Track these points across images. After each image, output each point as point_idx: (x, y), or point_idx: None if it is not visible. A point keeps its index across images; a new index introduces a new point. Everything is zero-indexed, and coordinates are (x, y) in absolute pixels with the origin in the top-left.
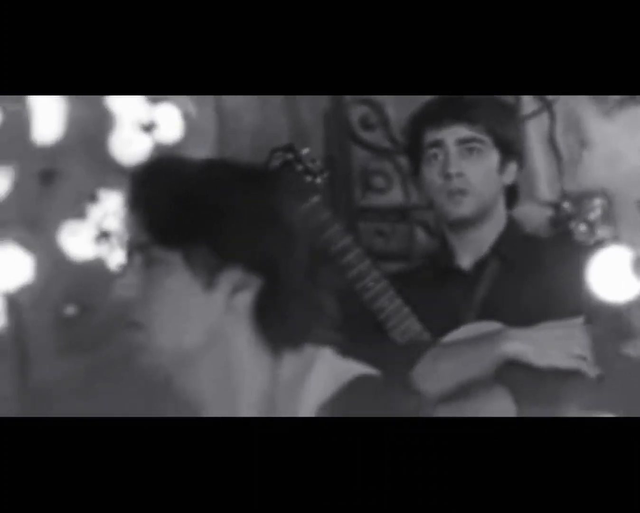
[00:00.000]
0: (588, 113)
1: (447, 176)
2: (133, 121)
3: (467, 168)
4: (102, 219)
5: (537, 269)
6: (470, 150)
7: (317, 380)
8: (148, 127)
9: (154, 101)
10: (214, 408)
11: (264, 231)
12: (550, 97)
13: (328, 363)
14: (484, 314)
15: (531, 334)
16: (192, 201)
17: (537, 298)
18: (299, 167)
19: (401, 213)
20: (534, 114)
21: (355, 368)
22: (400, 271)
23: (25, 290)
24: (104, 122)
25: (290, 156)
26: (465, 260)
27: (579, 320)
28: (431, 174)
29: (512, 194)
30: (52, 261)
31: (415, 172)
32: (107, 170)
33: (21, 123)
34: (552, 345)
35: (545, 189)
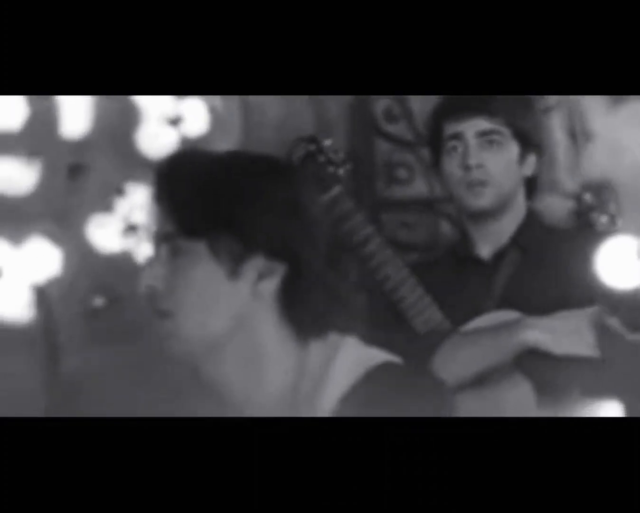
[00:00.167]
0: (591, 106)
1: (467, 168)
2: (159, 115)
3: (487, 160)
4: (129, 212)
5: (556, 260)
6: (490, 142)
7: (341, 367)
8: (174, 121)
9: (180, 96)
10: (240, 394)
11: (287, 220)
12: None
13: (352, 350)
14: (503, 304)
15: (549, 322)
16: (216, 192)
17: (556, 287)
18: (321, 158)
19: (425, 205)
20: (555, 105)
21: (378, 356)
22: (420, 261)
23: (53, 283)
24: (130, 117)
25: (312, 147)
26: (485, 250)
27: (596, 309)
28: (451, 166)
29: (532, 186)
30: (79, 254)
31: (435, 164)
32: (133, 164)
33: (49, 118)
34: (569, 333)
35: (567, 180)
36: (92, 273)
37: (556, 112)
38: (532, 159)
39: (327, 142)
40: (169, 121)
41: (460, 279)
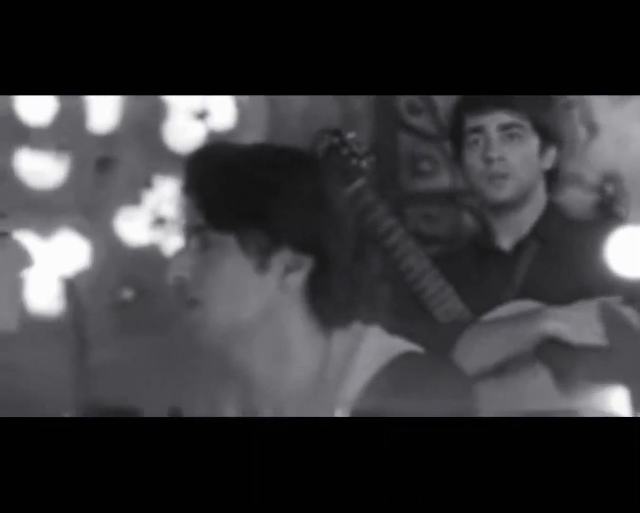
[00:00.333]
0: (597, 100)
1: (488, 161)
2: (186, 109)
3: (508, 153)
4: (157, 205)
5: (576, 251)
6: (511, 136)
7: (365, 356)
8: (201, 115)
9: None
10: (267, 382)
11: (314, 213)
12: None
13: (375, 340)
14: (524, 294)
15: (569, 313)
16: (244, 185)
17: (576, 278)
18: (345, 151)
19: (448, 197)
20: (575, 99)
21: (401, 345)
22: (442, 252)
23: (82, 276)
24: (158, 111)
25: (336, 139)
26: (506, 242)
27: (616, 299)
28: (472, 159)
29: (552, 178)
30: (108, 246)
31: (457, 157)
32: (161, 157)
33: (78, 112)
34: (588, 324)
35: (590, 173)
36: (121, 266)
37: (577, 106)
38: (552, 152)
39: (351, 135)
40: (196, 115)
41: (482, 270)
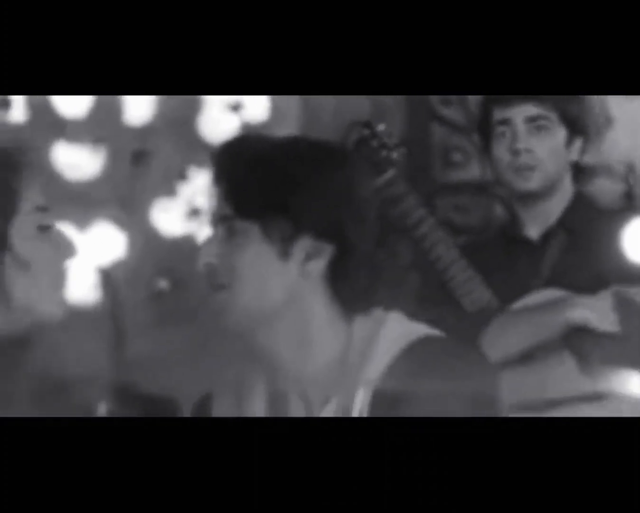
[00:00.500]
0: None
1: (515, 152)
2: (220, 101)
3: (535, 145)
4: (191, 197)
5: (602, 240)
6: (538, 128)
7: (386, 340)
8: (235, 107)
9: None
10: (291, 365)
11: (336, 203)
12: None
13: (396, 325)
14: (551, 283)
15: (595, 301)
16: (269, 176)
17: (602, 267)
18: (375, 143)
19: (479, 188)
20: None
21: (421, 330)
22: (471, 241)
23: (119, 267)
24: (192, 103)
25: (366, 131)
26: (533, 231)
27: (635, 288)
28: (500, 150)
29: (579, 169)
30: (144, 238)
31: (485, 149)
32: (196, 149)
33: (113, 105)
34: (611, 311)
35: (617, 164)
36: (156, 257)
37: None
38: (578, 143)
39: (381, 127)
40: (230, 107)
41: (510, 259)
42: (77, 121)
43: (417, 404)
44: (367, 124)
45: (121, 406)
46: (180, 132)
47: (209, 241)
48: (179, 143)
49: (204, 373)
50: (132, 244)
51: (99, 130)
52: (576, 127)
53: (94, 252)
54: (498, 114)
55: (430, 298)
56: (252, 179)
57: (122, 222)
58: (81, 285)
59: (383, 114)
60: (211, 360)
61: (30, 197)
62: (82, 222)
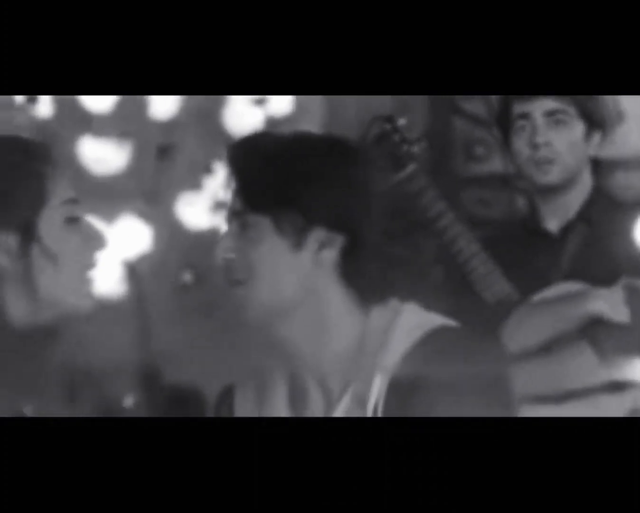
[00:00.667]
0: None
1: (535, 146)
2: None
3: (554, 138)
4: (216, 190)
5: (621, 233)
6: (557, 122)
7: (402, 330)
8: (259, 101)
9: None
10: (309, 353)
11: (345, 196)
12: None
13: (412, 315)
14: (570, 276)
15: (613, 293)
16: (279, 171)
17: (621, 260)
18: (396, 137)
19: (501, 181)
20: None
21: (437, 320)
22: (491, 234)
23: (144, 260)
24: (217, 97)
25: (388, 126)
26: (553, 224)
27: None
28: (520, 144)
29: (598, 162)
30: (169, 231)
31: (505, 142)
32: (221, 143)
33: (139, 99)
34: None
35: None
36: (181, 250)
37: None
38: (597, 137)
39: (402, 121)
40: (255, 101)
41: (529, 252)
42: (103, 116)
43: (432, 391)
44: (389, 119)
45: (147, 398)
46: (205, 126)
47: (225, 237)
48: (204, 137)
49: (227, 364)
50: (158, 237)
51: (124, 125)
52: (594, 122)
53: (119, 246)
54: (518, 108)
55: (452, 291)
56: (263, 174)
57: (147, 216)
58: (107, 278)
59: (405, 108)
60: (234, 351)
61: (59, 190)
62: (108, 216)
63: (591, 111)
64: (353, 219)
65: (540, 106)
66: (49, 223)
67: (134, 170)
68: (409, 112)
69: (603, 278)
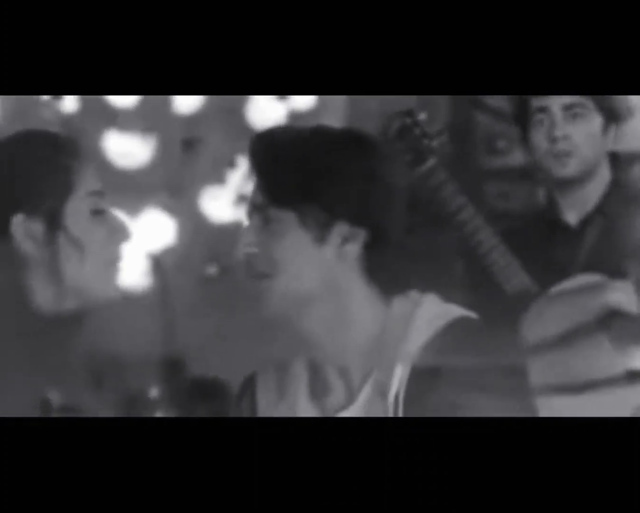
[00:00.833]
0: None
1: (553, 140)
2: None
3: (572, 131)
4: (240, 184)
5: (638, 225)
6: (575, 115)
7: (422, 321)
8: (282, 96)
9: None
10: (331, 345)
11: (366, 190)
12: None
13: (432, 306)
14: (588, 268)
15: (630, 285)
16: (302, 166)
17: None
18: (417, 131)
19: (523, 174)
20: None
21: (456, 311)
22: (511, 227)
23: (169, 252)
24: None
25: (408, 120)
26: (572, 217)
27: None
28: (538, 138)
29: (616, 155)
30: (193, 224)
31: (523, 136)
32: (244, 137)
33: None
34: None
35: None
36: (206, 243)
37: None
38: (614, 130)
39: (422, 116)
40: (278, 96)
41: (548, 244)
42: (128, 110)
43: (452, 381)
44: (409, 113)
45: (171, 389)
46: (229, 120)
47: (247, 231)
48: (228, 132)
49: (251, 356)
50: (182, 231)
51: (149, 119)
52: (611, 115)
53: (144, 239)
54: (536, 102)
55: (471, 283)
56: (285, 168)
57: (172, 209)
58: (133, 271)
59: (427, 102)
60: (257, 343)
61: (85, 182)
62: (133, 209)
63: (607, 105)
64: (375, 214)
65: (559, 100)
66: (75, 213)
67: (158, 164)
68: (431, 107)
69: (622, 271)
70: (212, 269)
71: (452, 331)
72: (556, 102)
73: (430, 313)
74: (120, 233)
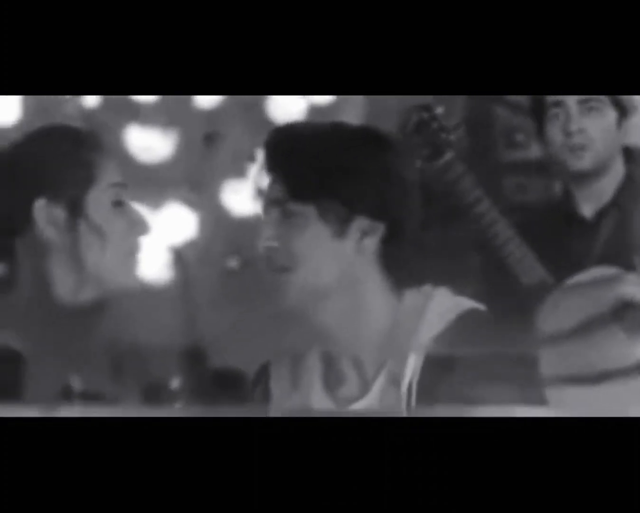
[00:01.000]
0: None
1: (568, 134)
2: None
3: (587, 125)
4: (256, 178)
5: None
6: (590, 109)
7: (434, 313)
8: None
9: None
10: (346, 336)
11: (384, 186)
12: None
13: (444, 299)
14: (603, 260)
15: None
16: (322, 161)
17: None
18: (434, 125)
19: (540, 167)
20: None
21: (466, 303)
22: (526, 220)
23: (190, 246)
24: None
25: (425, 114)
26: (587, 209)
27: None
28: (554, 131)
29: (630, 149)
30: (214, 218)
31: (539, 130)
32: (265, 130)
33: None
34: None
35: None
36: (227, 236)
37: None
38: (629, 124)
39: (440, 110)
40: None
41: (564, 237)
42: (149, 104)
43: (464, 371)
44: (427, 107)
45: (192, 381)
46: (249, 115)
47: (266, 225)
48: (249, 125)
49: (271, 348)
50: (203, 224)
51: (170, 114)
52: (626, 109)
53: (166, 232)
54: (551, 96)
55: (488, 275)
56: (304, 164)
57: (193, 203)
58: (154, 263)
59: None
60: (278, 336)
61: (106, 174)
62: (155, 203)
63: (622, 99)
64: (393, 208)
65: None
66: (97, 203)
67: (179, 159)
68: (448, 101)
69: (633, 263)
70: (232, 263)
71: (464, 322)
72: (572, 97)
73: (442, 307)
74: (139, 226)
